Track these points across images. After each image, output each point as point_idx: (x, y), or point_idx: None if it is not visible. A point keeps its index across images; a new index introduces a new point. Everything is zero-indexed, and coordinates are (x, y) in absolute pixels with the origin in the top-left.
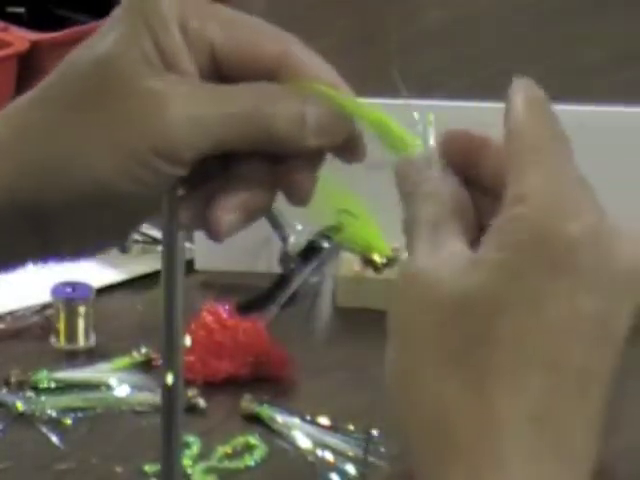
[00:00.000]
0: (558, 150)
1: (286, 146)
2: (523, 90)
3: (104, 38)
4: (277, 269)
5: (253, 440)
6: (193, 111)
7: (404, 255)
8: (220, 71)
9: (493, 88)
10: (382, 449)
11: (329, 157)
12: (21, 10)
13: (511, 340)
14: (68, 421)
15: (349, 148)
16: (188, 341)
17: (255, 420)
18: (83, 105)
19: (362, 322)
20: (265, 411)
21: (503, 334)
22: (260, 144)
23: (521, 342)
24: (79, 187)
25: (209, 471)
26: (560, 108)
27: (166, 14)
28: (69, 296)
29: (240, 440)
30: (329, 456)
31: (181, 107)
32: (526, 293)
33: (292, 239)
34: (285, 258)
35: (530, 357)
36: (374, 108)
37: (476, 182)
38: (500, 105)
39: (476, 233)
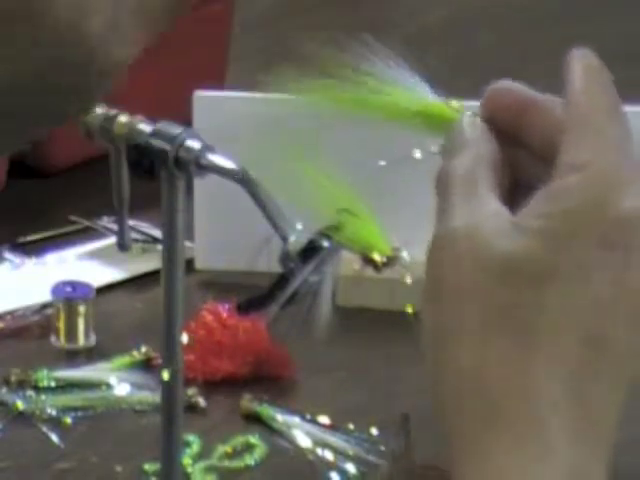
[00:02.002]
0: (616, 122)
1: None
2: (582, 58)
3: None
4: (277, 269)
5: (253, 439)
6: None
7: (436, 213)
8: None
9: None
10: (382, 448)
11: (330, 158)
12: None
13: (556, 308)
14: (68, 420)
15: None
16: (186, 340)
17: (255, 419)
18: None
19: (362, 322)
20: (265, 410)
21: (549, 301)
22: None
23: (565, 311)
24: None
25: (209, 470)
26: None
27: None
28: (69, 295)
29: (240, 439)
30: (329, 455)
31: None
32: (575, 262)
33: (292, 239)
34: (285, 258)
35: (572, 327)
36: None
37: (520, 140)
38: None
39: (511, 192)
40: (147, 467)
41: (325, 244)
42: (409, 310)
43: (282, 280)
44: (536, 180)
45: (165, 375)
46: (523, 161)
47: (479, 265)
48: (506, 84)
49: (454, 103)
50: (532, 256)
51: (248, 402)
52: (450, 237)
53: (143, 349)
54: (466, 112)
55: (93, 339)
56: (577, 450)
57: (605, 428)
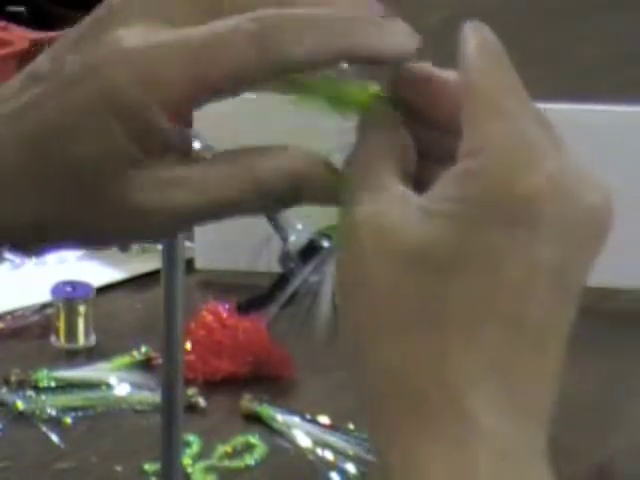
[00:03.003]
0: (514, 99)
1: None
2: (476, 35)
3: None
4: (277, 269)
5: (253, 439)
6: (173, 206)
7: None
8: None
9: None
10: None
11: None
12: (21, 9)
13: (466, 295)
14: (68, 420)
15: None
16: (187, 339)
17: (255, 419)
18: None
19: None
20: (265, 410)
21: (458, 290)
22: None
23: (476, 297)
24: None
25: (209, 470)
26: (560, 108)
27: None
28: (69, 295)
29: (240, 439)
30: (329, 455)
31: (161, 202)
32: (481, 249)
33: (292, 239)
34: (285, 258)
35: (485, 312)
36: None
37: (427, 117)
38: None
39: (420, 172)
40: (147, 467)
41: (325, 244)
42: None
43: (282, 280)
44: (447, 156)
45: (169, 378)
46: (432, 139)
47: (385, 254)
48: (416, 66)
49: (372, 87)
50: (439, 245)
51: (248, 402)
52: (352, 227)
53: (143, 349)
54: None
55: (93, 339)
56: (505, 430)
57: (536, 406)
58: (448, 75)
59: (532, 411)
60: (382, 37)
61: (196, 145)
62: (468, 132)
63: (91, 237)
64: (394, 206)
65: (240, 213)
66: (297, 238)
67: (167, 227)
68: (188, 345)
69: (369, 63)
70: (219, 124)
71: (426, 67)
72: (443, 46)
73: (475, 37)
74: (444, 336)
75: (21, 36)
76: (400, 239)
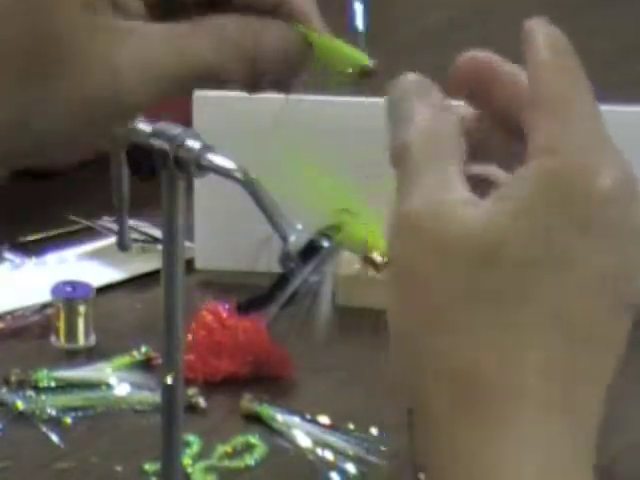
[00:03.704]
0: (585, 100)
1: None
2: (544, 30)
3: None
4: (277, 269)
5: (253, 439)
6: (143, 65)
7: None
8: None
9: None
10: (382, 448)
11: (330, 158)
12: None
13: (541, 296)
14: (68, 420)
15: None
16: (187, 340)
17: (255, 419)
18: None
19: (362, 321)
20: (265, 410)
21: (530, 290)
22: (210, 85)
23: (549, 300)
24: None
25: (209, 470)
26: None
27: None
28: (69, 295)
29: (240, 439)
30: (329, 455)
31: (130, 63)
32: (556, 251)
33: (292, 239)
34: (285, 258)
35: (553, 315)
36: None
37: (486, 109)
38: None
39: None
40: (147, 467)
41: (325, 244)
42: None
43: (282, 280)
44: (497, 152)
45: (169, 378)
46: (484, 131)
47: (458, 252)
48: (472, 53)
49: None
50: (514, 245)
51: (248, 402)
52: (416, 220)
53: (143, 349)
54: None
55: (93, 339)
56: (554, 449)
57: (587, 422)
58: (512, 70)
59: (584, 416)
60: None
61: (196, 145)
62: (540, 131)
63: (58, 116)
64: (459, 205)
65: (220, 81)
66: (297, 238)
67: (140, 93)
68: (188, 345)
69: None
70: (219, 124)
71: (490, 58)
72: (443, 46)
73: (543, 32)
74: (509, 334)
75: None
76: (471, 238)
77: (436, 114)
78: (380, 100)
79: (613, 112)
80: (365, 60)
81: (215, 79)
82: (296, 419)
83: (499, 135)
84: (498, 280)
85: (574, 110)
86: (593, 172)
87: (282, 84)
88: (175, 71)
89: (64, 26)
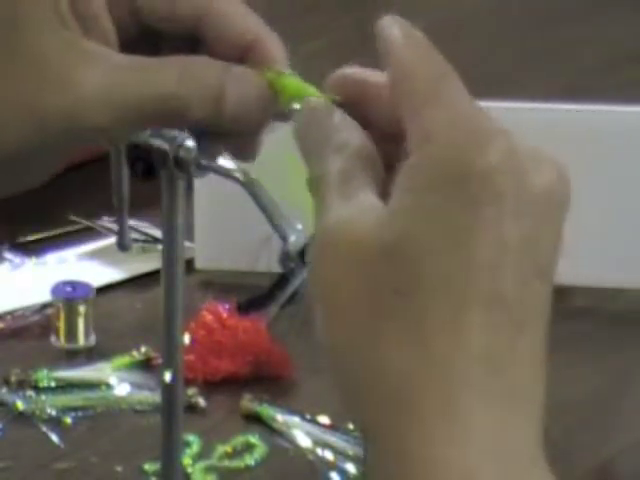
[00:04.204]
0: (451, 82)
1: (202, 125)
2: (397, 27)
3: None
4: (277, 269)
5: (253, 439)
6: (107, 88)
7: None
8: (146, 28)
9: (492, 88)
10: None
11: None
12: None
13: (442, 282)
14: (68, 420)
15: (246, 143)
16: (187, 340)
17: (255, 419)
18: None
19: None
20: (265, 410)
21: (433, 278)
22: (175, 123)
23: (452, 282)
24: None
25: (209, 470)
26: (561, 108)
27: None
28: (69, 295)
29: (240, 439)
30: (329, 455)
31: (94, 84)
32: (450, 232)
33: (292, 239)
34: (285, 258)
35: (464, 295)
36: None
37: (374, 126)
38: (500, 105)
39: (381, 183)
40: (147, 467)
41: None
42: None
43: (282, 280)
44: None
45: (169, 378)
46: (381, 147)
47: (359, 261)
48: (348, 71)
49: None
50: (407, 239)
51: (248, 402)
52: (328, 236)
53: (143, 349)
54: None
55: (93, 339)
56: (501, 424)
57: (529, 391)
58: (379, 76)
59: (527, 395)
60: None
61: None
62: (413, 120)
63: (5, 118)
64: (364, 214)
65: (185, 121)
66: (297, 238)
67: (100, 115)
68: (188, 345)
69: None
70: None
71: (357, 71)
72: (443, 46)
73: (397, 28)
74: (427, 328)
75: None
76: (368, 245)
77: (342, 137)
78: None
79: (612, 112)
80: (329, 98)
81: (179, 116)
82: (296, 419)
83: (383, 147)
84: (398, 280)
85: (438, 97)
86: (473, 147)
87: (249, 133)
88: (137, 100)
89: (30, 25)
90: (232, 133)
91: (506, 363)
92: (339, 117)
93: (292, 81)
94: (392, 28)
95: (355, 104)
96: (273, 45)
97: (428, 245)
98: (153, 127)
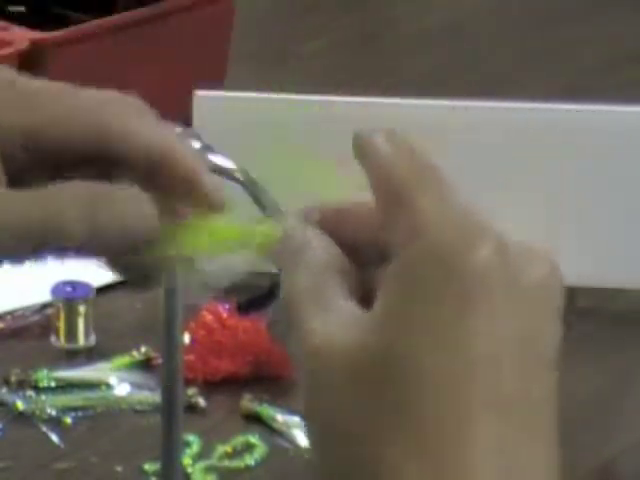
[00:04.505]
0: (437, 176)
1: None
2: (377, 132)
3: None
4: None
5: (253, 439)
6: None
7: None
8: (45, 155)
9: (493, 88)
10: None
11: (330, 158)
12: (22, 9)
13: (442, 387)
14: (68, 420)
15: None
16: (187, 339)
17: (255, 419)
18: None
19: None
20: (265, 410)
21: (432, 384)
22: (52, 248)
23: (453, 391)
24: None
25: (209, 470)
26: (560, 108)
27: None
28: (69, 295)
29: (240, 439)
30: None
31: None
32: (444, 333)
33: None
34: None
35: (469, 403)
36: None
37: (358, 252)
38: (500, 105)
39: (360, 294)
40: (147, 467)
41: None
42: None
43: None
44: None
45: (169, 378)
46: (364, 272)
47: (352, 377)
48: (311, 208)
49: (269, 224)
50: (398, 347)
51: (248, 402)
52: (314, 352)
53: (143, 349)
54: (289, 223)
55: (93, 339)
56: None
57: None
58: (356, 205)
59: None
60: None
61: (196, 145)
62: (397, 224)
63: None
64: (349, 325)
65: (63, 249)
66: None
67: None
68: (188, 345)
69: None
70: (219, 125)
71: (332, 206)
72: (443, 46)
73: (377, 133)
74: (432, 441)
75: (21, 36)
76: (359, 359)
77: (314, 252)
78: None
79: (612, 112)
80: (271, 233)
81: (57, 242)
82: (296, 419)
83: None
84: (396, 393)
85: (430, 187)
86: (462, 244)
87: (142, 272)
88: (8, 224)
89: None
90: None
91: (513, 466)
92: (310, 233)
93: (222, 226)
94: (370, 134)
95: (331, 228)
96: (183, 161)
97: (423, 354)
98: (34, 254)
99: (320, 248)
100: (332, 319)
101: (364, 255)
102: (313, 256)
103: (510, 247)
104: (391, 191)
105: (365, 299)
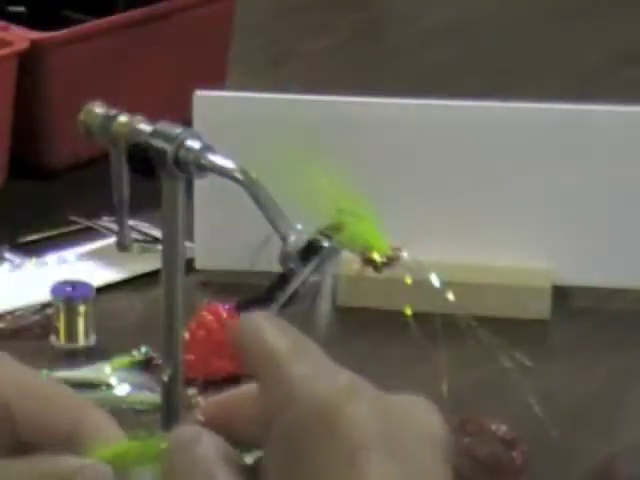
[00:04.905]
0: (307, 345)
1: None
2: (245, 318)
3: None
4: (277, 269)
5: None
6: None
7: None
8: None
9: (493, 88)
10: None
11: (330, 158)
12: (22, 9)
13: None
14: None
15: None
16: (187, 340)
17: None
18: None
19: (362, 321)
20: None
21: None
22: None
23: None
24: None
25: None
26: (560, 108)
27: None
28: (69, 295)
29: None
30: None
31: None
32: None
33: (292, 239)
34: (285, 258)
35: None
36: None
37: (248, 438)
38: (500, 105)
39: None
40: None
41: (325, 244)
42: (408, 310)
43: (282, 280)
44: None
45: (165, 375)
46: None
47: None
48: (210, 402)
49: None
50: None
51: None
52: None
53: (143, 349)
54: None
55: (93, 339)
56: None
57: None
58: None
59: None
60: None
61: (196, 145)
62: (266, 399)
63: None
64: None
65: None
66: (297, 238)
67: None
68: (188, 345)
69: None
70: (219, 124)
71: (219, 399)
72: (443, 46)
73: (245, 319)
74: None
75: (21, 36)
76: None
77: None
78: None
79: (612, 112)
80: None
81: None
82: None
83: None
84: None
85: (301, 354)
86: (340, 395)
87: None
88: None
89: None
90: None
91: None
92: (197, 433)
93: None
94: (241, 322)
95: (218, 423)
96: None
97: None
98: None
99: (207, 443)
100: None
101: (255, 440)
102: (202, 451)
103: (385, 398)
104: (265, 359)
105: None
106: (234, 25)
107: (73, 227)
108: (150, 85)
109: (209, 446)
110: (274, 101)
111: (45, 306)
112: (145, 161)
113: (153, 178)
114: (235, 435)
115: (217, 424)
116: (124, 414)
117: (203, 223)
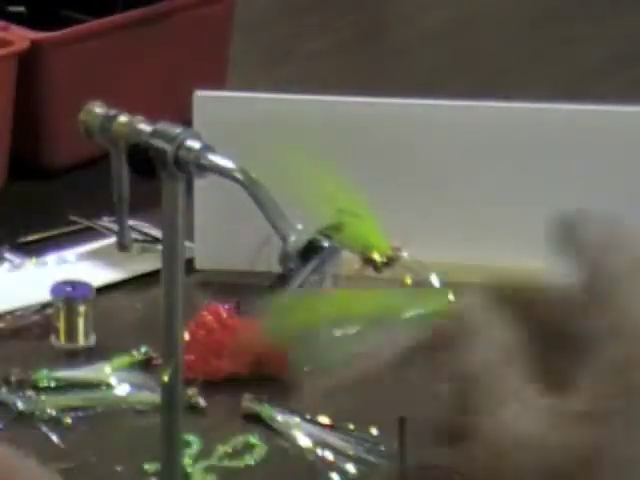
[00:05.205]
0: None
1: None
2: (588, 222)
3: None
4: (277, 269)
5: (253, 439)
6: None
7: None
8: None
9: (493, 88)
10: (382, 448)
11: (330, 158)
12: (22, 9)
13: None
14: (68, 420)
15: None
16: (187, 340)
17: (255, 419)
18: None
19: None
20: (265, 410)
21: None
22: None
23: None
24: None
25: (209, 470)
26: (560, 108)
27: None
28: (69, 295)
29: (240, 439)
30: (329, 455)
31: None
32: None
33: (292, 239)
34: (285, 258)
35: None
36: None
37: (544, 333)
38: (500, 105)
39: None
40: (147, 467)
41: (325, 244)
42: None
43: (282, 280)
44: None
45: (169, 378)
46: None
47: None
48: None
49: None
50: (604, 441)
51: (248, 402)
52: (505, 454)
53: (143, 349)
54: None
55: (93, 339)
56: None
57: None
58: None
59: None
60: None
61: (196, 145)
62: (599, 323)
63: None
64: (542, 420)
65: None
66: (297, 238)
67: None
68: (188, 345)
69: None
70: (219, 124)
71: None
72: (443, 46)
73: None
74: None
75: (21, 36)
76: (569, 453)
77: (495, 332)
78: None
79: (612, 112)
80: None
81: None
82: (296, 419)
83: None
84: None
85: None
86: None
87: None
88: None
89: None
90: None
91: None
92: (490, 314)
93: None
94: (582, 225)
95: (521, 306)
96: None
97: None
98: None
99: (501, 331)
100: (523, 411)
101: (549, 337)
102: (493, 339)
103: None
104: (602, 285)
105: (547, 381)
106: (234, 25)
107: (73, 227)
108: (150, 85)
109: (498, 332)
110: (274, 101)
111: (45, 306)
112: (145, 161)
113: (153, 178)
114: (533, 324)
115: (521, 306)
116: (124, 414)
117: (203, 223)
